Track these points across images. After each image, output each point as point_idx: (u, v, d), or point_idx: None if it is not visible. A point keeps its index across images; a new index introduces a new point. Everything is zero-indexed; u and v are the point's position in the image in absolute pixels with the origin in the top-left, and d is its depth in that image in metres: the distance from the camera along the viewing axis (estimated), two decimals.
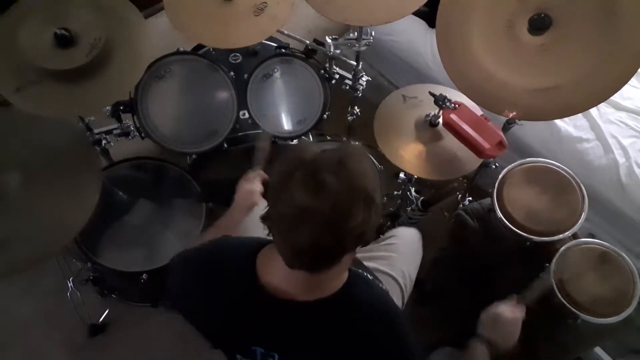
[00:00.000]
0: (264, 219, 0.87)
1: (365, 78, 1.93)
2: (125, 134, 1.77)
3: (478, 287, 1.69)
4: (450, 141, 1.54)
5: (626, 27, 1.19)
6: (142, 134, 1.75)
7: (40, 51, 1.35)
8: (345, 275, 0.93)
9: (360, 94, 1.96)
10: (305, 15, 1.75)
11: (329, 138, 2.08)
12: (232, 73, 1.75)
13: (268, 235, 0.88)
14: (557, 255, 1.42)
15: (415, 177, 1.80)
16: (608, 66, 1.21)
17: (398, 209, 2.05)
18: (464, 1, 1.38)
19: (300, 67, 1.82)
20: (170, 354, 1.92)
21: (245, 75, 1.78)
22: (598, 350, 1.75)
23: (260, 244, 0.97)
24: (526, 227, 1.44)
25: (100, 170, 1.51)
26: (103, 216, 1.58)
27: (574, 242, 1.45)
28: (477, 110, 1.51)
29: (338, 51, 1.85)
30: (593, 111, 1.96)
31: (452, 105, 1.46)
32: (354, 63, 1.88)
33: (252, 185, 1.34)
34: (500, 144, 1.40)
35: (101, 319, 2.01)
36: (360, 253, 1.34)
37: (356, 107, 2.03)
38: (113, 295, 1.93)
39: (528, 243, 1.45)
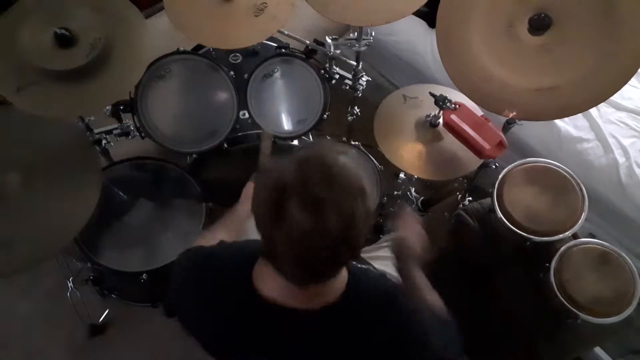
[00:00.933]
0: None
1: (365, 78, 1.92)
2: (125, 133, 1.77)
3: (478, 287, 1.69)
4: (450, 141, 1.54)
5: (626, 27, 1.19)
6: (142, 134, 1.75)
7: (40, 51, 1.35)
8: (345, 275, 0.92)
9: (360, 94, 1.96)
10: (305, 15, 1.74)
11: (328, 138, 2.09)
12: (232, 73, 1.75)
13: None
14: (557, 255, 1.42)
15: (415, 177, 1.80)
16: (608, 66, 1.22)
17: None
18: (464, 1, 1.38)
19: (300, 67, 1.81)
20: (170, 354, 1.92)
21: (246, 75, 1.77)
22: (598, 350, 1.75)
23: (258, 250, 0.93)
24: (526, 227, 1.44)
25: (100, 170, 1.52)
26: (103, 216, 1.59)
27: (574, 242, 1.45)
28: (477, 110, 1.51)
29: (338, 51, 1.84)
30: (593, 111, 1.96)
31: (453, 105, 1.47)
32: (354, 63, 1.88)
33: None
34: (500, 144, 1.41)
35: (101, 319, 2.01)
36: (361, 253, 1.33)
37: (356, 107, 2.03)
38: (113, 295, 1.93)
39: (528, 243, 1.45)
